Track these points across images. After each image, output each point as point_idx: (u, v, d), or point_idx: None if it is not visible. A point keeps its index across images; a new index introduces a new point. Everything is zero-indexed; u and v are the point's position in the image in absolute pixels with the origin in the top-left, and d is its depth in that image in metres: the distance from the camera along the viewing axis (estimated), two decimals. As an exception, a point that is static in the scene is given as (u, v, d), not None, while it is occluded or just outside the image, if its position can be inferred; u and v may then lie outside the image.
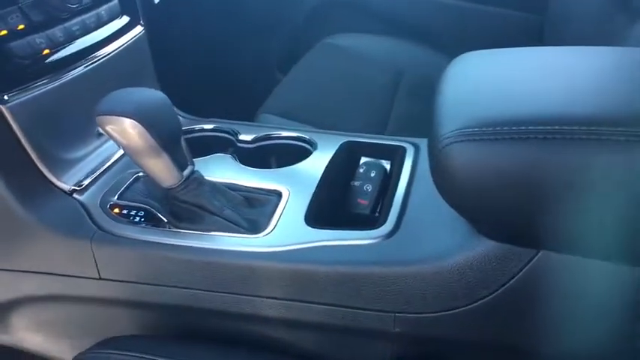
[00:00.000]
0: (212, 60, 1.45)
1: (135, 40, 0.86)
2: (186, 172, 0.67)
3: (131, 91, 0.64)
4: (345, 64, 1.33)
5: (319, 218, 0.68)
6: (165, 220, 0.69)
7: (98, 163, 0.78)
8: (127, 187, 0.74)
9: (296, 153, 0.83)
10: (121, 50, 0.83)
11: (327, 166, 0.76)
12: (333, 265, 0.60)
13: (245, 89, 1.37)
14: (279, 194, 0.71)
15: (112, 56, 0.81)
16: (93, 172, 0.76)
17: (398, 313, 0.61)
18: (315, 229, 0.65)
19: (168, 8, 1.19)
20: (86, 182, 0.74)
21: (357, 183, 0.76)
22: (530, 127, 0.47)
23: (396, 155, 0.78)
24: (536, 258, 0.55)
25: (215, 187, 0.70)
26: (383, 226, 0.64)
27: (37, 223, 0.68)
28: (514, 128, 0.48)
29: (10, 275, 0.73)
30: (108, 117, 0.61)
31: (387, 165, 0.80)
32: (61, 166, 0.73)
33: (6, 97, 0.65)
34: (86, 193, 0.73)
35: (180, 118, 0.92)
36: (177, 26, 1.33)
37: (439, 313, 0.60)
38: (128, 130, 0.61)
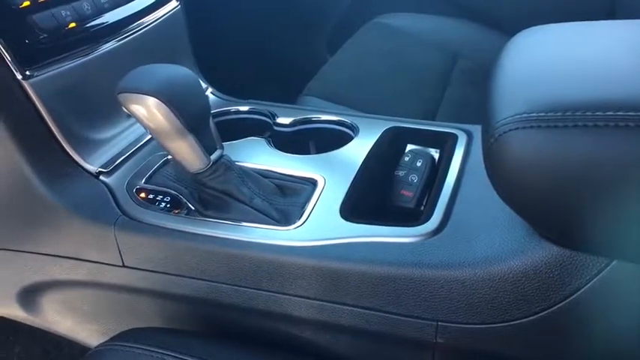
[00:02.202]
0: (255, 38, 1.39)
1: (170, 14, 0.82)
2: (214, 157, 0.62)
3: (156, 67, 0.60)
4: (396, 44, 1.25)
5: (356, 211, 0.61)
6: (192, 208, 0.64)
7: (127, 144, 0.74)
8: (155, 171, 0.70)
9: (336, 138, 0.77)
10: (153, 25, 0.78)
11: (368, 154, 0.69)
12: (369, 265, 0.53)
13: (289, 69, 1.31)
14: (314, 183, 0.65)
15: (144, 31, 0.77)
16: (121, 153, 0.73)
17: (441, 322, 0.54)
18: (352, 224, 0.58)
19: None
20: (113, 164, 0.71)
21: (401, 173, 0.69)
22: (607, 113, 0.39)
23: (446, 143, 0.71)
24: (607, 269, 0.47)
25: (245, 173, 0.64)
26: (427, 223, 0.57)
27: (61, 206, 0.65)
28: (587, 114, 0.40)
29: (35, 258, 0.70)
30: (130, 95, 0.57)
31: (435, 154, 0.72)
32: (87, 146, 0.70)
33: (28, 73, 0.62)
34: (113, 176, 0.70)
35: (217, 98, 0.88)
36: (218, 1, 1.28)
37: (488, 325, 0.52)
38: (152, 109, 0.56)
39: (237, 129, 0.82)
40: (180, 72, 0.60)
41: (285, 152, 0.73)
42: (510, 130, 0.41)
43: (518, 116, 0.41)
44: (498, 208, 0.51)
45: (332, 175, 0.66)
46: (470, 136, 0.70)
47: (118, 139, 0.73)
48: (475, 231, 0.54)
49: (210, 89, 0.89)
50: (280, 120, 0.79)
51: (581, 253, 0.47)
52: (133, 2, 0.75)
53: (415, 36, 1.28)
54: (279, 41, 1.41)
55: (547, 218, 0.45)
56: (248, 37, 1.39)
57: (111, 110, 0.73)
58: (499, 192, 0.46)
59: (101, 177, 0.69)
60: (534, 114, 0.41)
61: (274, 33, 1.41)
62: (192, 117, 0.58)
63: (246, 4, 1.36)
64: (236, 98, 0.89)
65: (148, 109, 0.56)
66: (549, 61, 0.47)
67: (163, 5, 0.81)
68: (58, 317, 0.80)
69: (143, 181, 0.69)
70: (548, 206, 0.43)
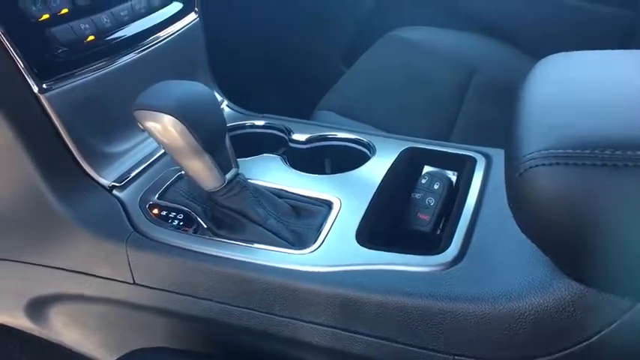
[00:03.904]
0: (271, 51, 1.39)
1: (188, 27, 0.81)
2: (229, 176, 0.61)
3: (173, 84, 0.59)
4: (412, 58, 1.24)
5: (373, 236, 0.60)
6: (205, 226, 0.63)
7: (141, 158, 0.73)
8: (169, 186, 0.69)
9: (352, 157, 0.76)
10: (172, 38, 0.78)
11: (385, 175, 0.68)
12: (385, 295, 0.52)
13: (306, 82, 1.30)
14: (329, 205, 0.64)
15: (162, 44, 0.76)
16: (135, 167, 0.72)
17: (457, 355, 0.52)
18: (368, 250, 0.57)
19: None
20: (127, 178, 0.70)
21: (418, 195, 0.67)
22: (637, 153, 0.38)
23: (464, 166, 0.69)
24: (631, 311, 0.45)
25: (260, 192, 0.63)
26: (446, 252, 0.55)
27: (73, 220, 0.65)
28: (617, 153, 0.38)
29: (44, 271, 0.70)
30: (147, 112, 0.56)
31: (453, 176, 0.71)
32: (101, 159, 0.69)
33: (45, 86, 0.61)
34: (126, 190, 0.69)
35: (232, 112, 0.87)
36: (235, 13, 1.27)
37: (506, 363, 0.51)
38: (168, 127, 0.56)
39: (253, 143, 0.82)
40: (197, 89, 0.59)
41: (301, 170, 0.72)
42: (537, 165, 0.40)
43: (545, 152, 0.40)
44: (519, 239, 0.49)
45: (348, 197, 0.64)
46: (489, 160, 0.69)
47: (132, 153, 0.73)
48: (495, 263, 0.53)
49: (225, 102, 0.88)
50: (296, 136, 0.78)
51: (605, 294, 0.45)
52: (152, 15, 0.74)
53: (432, 50, 1.27)
54: (295, 54, 1.40)
55: (571, 257, 0.44)
56: (264, 50, 1.38)
57: (126, 123, 0.72)
58: (522, 227, 0.44)
59: (114, 191, 0.69)
60: (562, 150, 0.39)
61: (290, 46, 1.41)
62: (208, 136, 0.58)
63: (263, 18, 1.36)
64: (252, 112, 0.88)
65: (165, 127, 0.56)
66: (577, 93, 0.46)
67: (182, 18, 0.81)
68: (65, 329, 0.79)
69: (156, 196, 0.68)
70: (573, 245, 0.41)
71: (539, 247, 0.45)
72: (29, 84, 0.60)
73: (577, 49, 0.53)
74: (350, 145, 0.77)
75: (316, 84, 1.17)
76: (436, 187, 0.67)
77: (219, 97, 0.88)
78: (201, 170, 0.60)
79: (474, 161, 0.69)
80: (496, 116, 1.08)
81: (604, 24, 1.28)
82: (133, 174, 0.71)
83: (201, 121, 0.57)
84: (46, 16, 0.61)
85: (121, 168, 0.71)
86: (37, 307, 0.78)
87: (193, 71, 0.85)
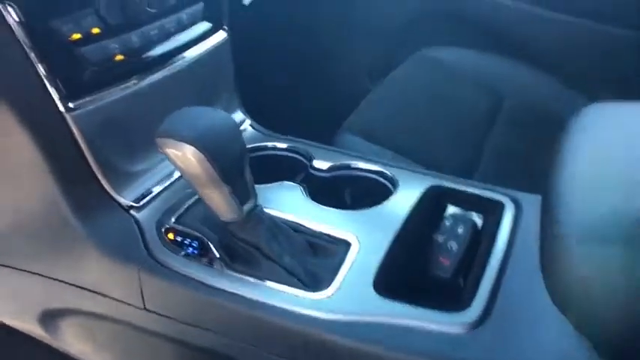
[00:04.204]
0: (298, 68, 1.37)
1: (217, 46, 0.80)
2: (246, 207, 0.60)
3: (197, 111, 0.58)
4: (440, 80, 1.21)
5: (391, 281, 0.58)
6: (219, 256, 0.62)
7: (161, 177, 0.72)
8: (187, 210, 0.69)
9: (374, 189, 0.74)
10: (200, 57, 0.77)
11: (407, 215, 0.66)
12: (404, 353, 0.50)
13: (331, 100, 1.29)
14: (347, 245, 0.62)
15: (189, 63, 0.75)
16: (154, 187, 0.71)
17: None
18: (386, 300, 0.55)
19: (258, 10, 1.12)
20: (145, 198, 0.69)
21: (440, 238, 0.65)
22: None
23: (491, 211, 0.67)
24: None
25: (277, 226, 0.62)
26: (470, 310, 0.53)
27: (89, 238, 0.64)
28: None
29: (57, 285, 0.69)
30: (168, 140, 0.55)
31: (478, 219, 0.68)
32: (122, 178, 0.68)
33: (71, 105, 0.61)
34: (144, 211, 0.68)
35: (255, 132, 0.86)
36: (263, 30, 1.26)
37: None
38: (188, 157, 0.54)
39: (274, 166, 0.81)
40: (220, 119, 0.58)
41: (320, 198, 0.70)
42: (577, 241, 0.38)
43: (586, 227, 0.38)
44: (548, 303, 0.47)
45: (367, 237, 0.63)
46: (518, 206, 0.66)
47: (152, 172, 0.72)
48: (521, 328, 0.50)
49: (249, 122, 0.87)
50: (317, 163, 0.77)
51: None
52: (181, 33, 0.73)
53: (461, 72, 1.24)
54: (321, 72, 1.39)
55: (608, 340, 0.41)
56: (290, 68, 1.37)
57: (149, 142, 0.71)
58: (556, 302, 0.42)
59: (132, 211, 0.68)
60: (605, 227, 0.37)
61: (317, 63, 1.39)
62: (228, 168, 0.56)
63: (290, 35, 1.34)
64: (274, 132, 0.87)
65: (185, 157, 0.55)
66: (622, 159, 0.43)
67: (211, 36, 0.80)
68: (75, 341, 0.79)
69: (173, 220, 0.67)
70: (612, 328, 0.39)
71: (573, 325, 0.43)
72: (55, 103, 0.60)
73: (612, 76, 0.50)
74: (372, 177, 0.75)
75: (342, 102, 1.15)
76: (460, 230, 0.65)
77: (242, 116, 0.88)
78: (219, 201, 0.59)
79: (502, 207, 0.66)
80: (525, 148, 1.06)
81: (636, 50, 1.24)
82: (152, 194, 0.70)
83: (222, 152, 0.56)
84: (77, 36, 0.60)
85: (140, 187, 0.70)
86: (49, 318, 0.78)
87: (219, 89, 0.84)
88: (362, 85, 1.39)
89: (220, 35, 0.82)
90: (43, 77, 0.58)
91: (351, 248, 0.61)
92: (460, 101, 1.15)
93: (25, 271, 0.73)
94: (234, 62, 0.86)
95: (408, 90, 1.18)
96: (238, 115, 0.87)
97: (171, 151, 0.56)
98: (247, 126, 0.87)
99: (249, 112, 0.89)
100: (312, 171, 0.76)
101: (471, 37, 1.35)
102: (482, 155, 1.04)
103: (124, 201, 0.68)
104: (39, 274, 0.72)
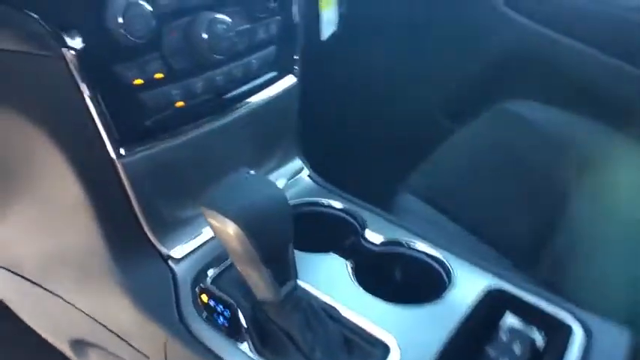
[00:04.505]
0: (365, 112, 1.31)
1: (284, 91, 0.76)
2: (284, 290, 0.56)
3: (245, 182, 0.54)
4: (518, 140, 1.12)
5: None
6: (248, 335, 0.58)
7: (205, 228, 0.69)
8: (225, 270, 0.65)
9: (428, 276, 0.68)
10: (265, 103, 0.73)
11: (459, 321, 0.59)
12: None
13: (400, 146, 1.22)
14: (386, 349, 0.56)
15: (252, 109, 0.72)
16: (196, 237, 0.68)
17: None
18: None
19: (329, 48, 1.06)
20: (186, 249, 0.67)
21: (493, 352, 0.58)
22: None
23: (556, 331, 0.59)
24: None
25: (314, 313, 0.57)
26: None
27: (123, 284, 0.63)
28: None
29: (88, 320, 0.68)
30: (211, 211, 0.52)
31: (538, 335, 0.61)
32: (165, 226, 0.66)
33: (123, 152, 0.59)
34: (182, 263, 0.66)
35: (312, 184, 0.82)
36: (331, 71, 1.20)
37: None
38: (229, 231, 0.51)
39: (324, 225, 0.76)
40: (270, 193, 0.54)
41: (366, 275, 0.65)
42: None
43: None
44: None
45: (410, 342, 0.57)
46: (589, 334, 0.58)
47: (197, 221, 0.69)
48: None
49: (306, 171, 0.83)
50: (370, 235, 0.71)
51: None
52: (249, 79, 0.70)
53: (542, 131, 1.14)
54: (390, 115, 1.32)
55: None
56: (357, 108, 1.31)
57: (197, 191, 0.68)
58: None
59: (170, 262, 0.66)
60: None
61: (388, 108, 1.32)
62: (270, 249, 0.52)
63: (361, 74, 1.28)
64: (332, 183, 0.82)
65: (226, 231, 0.51)
66: None
67: (279, 80, 0.76)
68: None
69: (209, 280, 0.64)
70: None
71: None
72: (107, 149, 0.58)
73: None
74: (427, 262, 0.69)
75: (410, 149, 1.09)
76: (516, 350, 0.58)
77: (300, 164, 0.83)
78: (257, 280, 0.55)
79: (568, 330, 0.58)
80: (612, 231, 0.95)
81: None
82: (193, 245, 0.67)
83: (266, 232, 0.52)
84: (139, 81, 0.58)
85: (183, 236, 0.67)
86: (79, 344, 0.77)
87: (279, 135, 0.80)
88: (434, 132, 1.32)
89: (289, 80, 0.77)
90: (96, 121, 0.56)
91: (390, 355, 0.55)
92: (536, 165, 1.06)
93: (59, 297, 0.72)
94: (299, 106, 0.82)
95: (481, 148, 1.09)
96: (296, 163, 0.83)
97: (213, 222, 0.52)
98: (304, 175, 0.83)
99: (308, 158, 0.85)
100: (364, 242, 0.71)
101: (559, 93, 1.25)
102: (554, 234, 0.95)
103: (164, 250, 0.66)
104: (71, 304, 0.71)
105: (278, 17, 0.71)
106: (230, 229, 0.50)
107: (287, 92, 0.77)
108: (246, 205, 0.51)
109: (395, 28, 1.32)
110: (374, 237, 0.71)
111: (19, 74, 0.53)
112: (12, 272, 0.78)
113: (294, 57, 0.77)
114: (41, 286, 0.74)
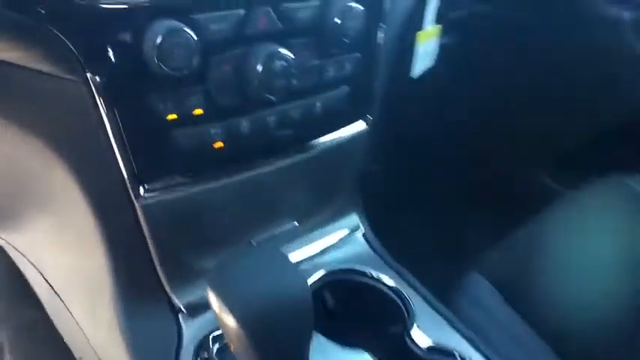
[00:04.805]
0: (450, 163, 1.15)
1: (349, 139, 0.65)
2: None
3: (262, 261, 0.44)
4: (628, 224, 0.93)
5: None
6: None
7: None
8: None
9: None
10: (322, 151, 0.63)
11: None
12: None
13: (485, 207, 1.06)
14: None
15: (307, 157, 0.62)
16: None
17: None
18: None
19: (418, 87, 0.91)
20: (198, 307, 0.59)
21: None
22: None
23: None
24: None
25: None
26: None
27: (125, 330, 0.56)
28: None
29: (88, 347, 0.63)
30: (213, 297, 0.43)
31: None
32: (182, 276, 0.58)
33: (144, 193, 0.51)
34: (190, 323, 0.58)
35: (365, 247, 0.71)
36: (411, 113, 1.04)
37: None
38: (229, 325, 0.42)
39: (366, 300, 0.66)
40: (290, 282, 0.44)
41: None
42: None
43: None
44: None
45: None
46: None
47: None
48: None
49: (362, 229, 0.72)
50: (417, 334, 0.59)
51: None
52: (308, 121, 0.59)
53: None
54: (487, 165, 1.15)
55: None
56: (429, 163, 1.14)
57: (226, 241, 0.60)
58: None
59: (180, 316, 0.58)
60: None
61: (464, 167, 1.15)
62: (275, 354, 0.43)
63: (453, 120, 1.11)
64: (387, 252, 0.71)
65: (226, 324, 0.42)
66: None
67: (346, 125, 0.65)
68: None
69: (215, 350, 0.56)
70: None
71: None
72: (127, 188, 0.50)
73: None
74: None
75: (501, 215, 0.94)
76: None
77: (356, 221, 0.72)
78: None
79: None
80: None
81: None
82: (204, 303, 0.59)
83: (275, 337, 0.42)
84: (173, 116, 0.49)
85: (197, 291, 0.59)
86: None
87: (335, 188, 0.69)
88: (534, 194, 1.14)
89: (358, 126, 0.66)
90: (118, 157, 0.49)
91: None
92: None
93: (74, 318, 0.67)
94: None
95: (584, 225, 0.92)
96: (352, 220, 0.72)
97: (214, 306, 0.43)
98: (359, 235, 0.72)
99: (366, 215, 0.74)
100: (408, 341, 0.59)
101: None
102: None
103: (176, 302, 0.59)
104: (82, 330, 0.66)
105: (357, 54, 0.60)
106: (229, 322, 0.41)
107: (353, 139, 0.66)
108: (256, 299, 0.42)
109: (504, 63, 1.13)
110: (421, 338, 0.59)
111: (36, 94, 0.47)
112: (39, 272, 0.75)
113: (369, 99, 0.66)
114: (59, 296, 0.70)
